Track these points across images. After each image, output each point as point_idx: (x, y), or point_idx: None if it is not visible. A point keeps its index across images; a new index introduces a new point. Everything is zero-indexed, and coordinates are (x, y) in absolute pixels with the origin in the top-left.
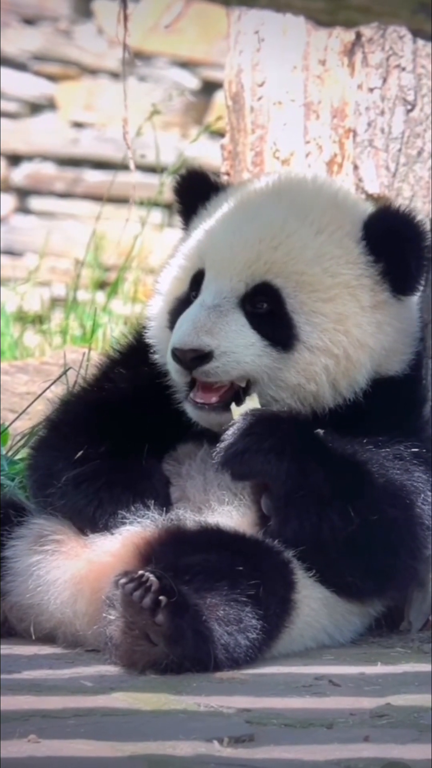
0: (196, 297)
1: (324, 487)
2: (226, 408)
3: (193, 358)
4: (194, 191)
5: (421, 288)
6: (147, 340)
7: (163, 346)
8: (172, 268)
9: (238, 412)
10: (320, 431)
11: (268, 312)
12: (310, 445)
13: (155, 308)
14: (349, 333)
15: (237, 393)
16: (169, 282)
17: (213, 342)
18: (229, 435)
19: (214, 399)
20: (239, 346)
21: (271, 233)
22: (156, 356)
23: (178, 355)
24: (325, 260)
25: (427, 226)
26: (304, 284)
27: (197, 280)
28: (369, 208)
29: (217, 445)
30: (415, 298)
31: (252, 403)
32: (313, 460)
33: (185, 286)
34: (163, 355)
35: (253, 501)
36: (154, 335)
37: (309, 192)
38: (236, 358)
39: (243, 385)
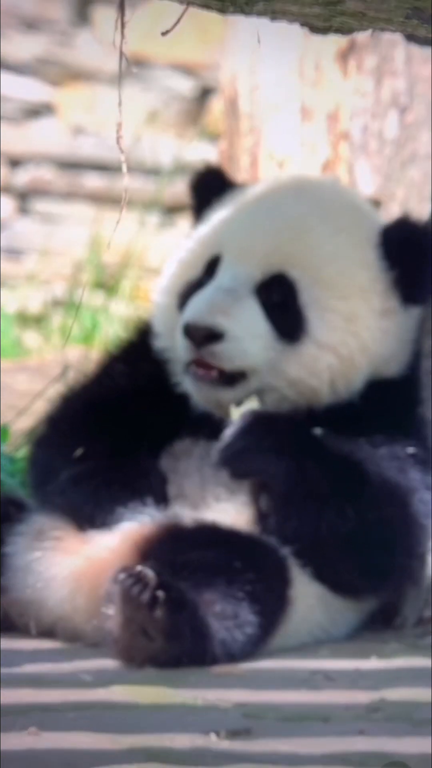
0: (209, 282)
1: (322, 485)
2: (225, 385)
3: (205, 336)
4: (210, 186)
5: (428, 301)
6: (147, 339)
7: (167, 327)
8: (182, 252)
9: (237, 412)
10: (318, 431)
11: (281, 302)
12: (308, 445)
13: (161, 292)
14: (358, 335)
15: (233, 376)
16: (179, 266)
17: (227, 323)
18: (229, 435)
19: (214, 372)
20: (250, 335)
21: (291, 226)
22: (159, 341)
23: (191, 330)
24: (341, 259)
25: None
26: (320, 280)
27: (212, 265)
28: (384, 219)
29: (217, 444)
30: (417, 312)
31: (252, 404)
32: (311, 460)
33: (198, 270)
34: (166, 339)
35: (251, 499)
36: (159, 316)
37: (329, 193)
38: (244, 347)
39: (236, 373)
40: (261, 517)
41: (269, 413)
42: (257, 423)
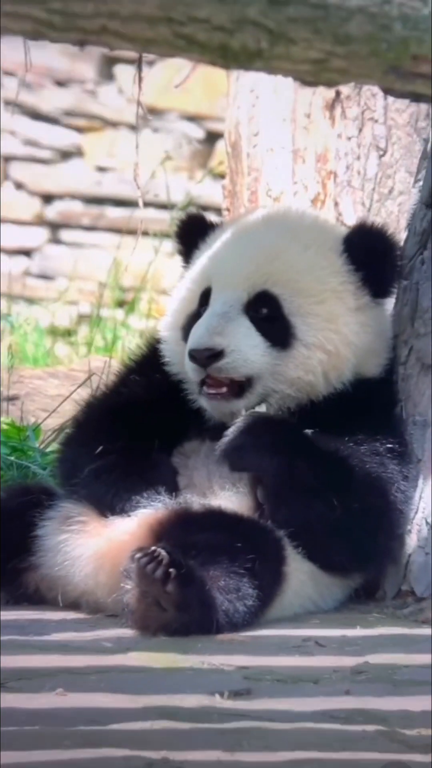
0: (205, 311)
1: (310, 479)
2: (235, 397)
3: (208, 357)
4: (193, 231)
5: (394, 291)
6: (159, 352)
7: (177, 358)
8: (180, 291)
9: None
10: (309, 432)
11: (268, 316)
12: (298, 444)
13: (167, 328)
14: (339, 331)
15: (241, 386)
16: (178, 303)
17: (224, 341)
18: (230, 433)
19: (224, 389)
20: (246, 346)
21: (266, 250)
22: (170, 368)
23: (195, 355)
24: (314, 270)
25: (397, 238)
26: (299, 290)
27: (205, 297)
28: (343, 229)
29: (221, 440)
30: (389, 307)
31: (258, 408)
32: (300, 457)
33: (194, 304)
34: (177, 366)
35: (250, 490)
36: (168, 350)
37: (294, 217)
38: (244, 356)
39: (244, 380)
40: (258, 506)
41: (267, 416)
42: (255, 424)
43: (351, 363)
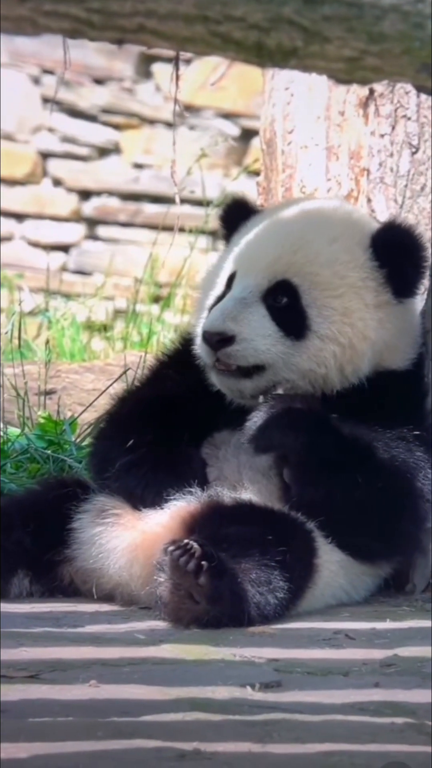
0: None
1: (334, 457)
2: (243, 377)
3: (218, 341)
4: (236, 214)
5: (419, 292)
6: (191, 346)
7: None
8: (213, 272)
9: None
10: (334, 416)
11: (286, 306)
12: (321, 424)
13: (197, 308)
14: (354, 326)
15: (248, 371)
16: (208, 283)
17: (236, 328)
18: (255, 415)
19: (233, 367)
20: (258, 336)
21: (291, 240)
22: (197, 348)
23: (207, 337)
24: (336, 264)
25: (426, 239)
26: (318, 283)
27: (231, 281)
28: (376, 225)
29: (246, 423)
30: (416, 304)
31: (282, 391)
32: (324, 435)
33: (222, 286)
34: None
35: (277, 474)
36: (195, 328)
37: (327, 210)
38: (254, 346)
39: (251, 367)
40: (286, 491)
41: (289, 397)
42: (278, 405)
43: (367, 358)
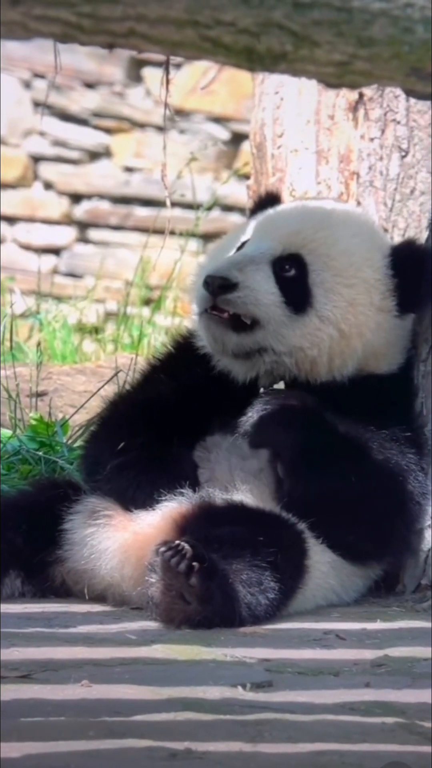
0: None
1: (327, 454)
2: (232, 329)
3: (220, 286)
4: (266, 204)
5: (419, 312)
6: (183, 350)
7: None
8: (225, 242)
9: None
10: (328, 414)
11: (292, 277)
12: (315, 422)
13: (198, 272)
14: (357, 318)
15: (243, 325)
16: (214, 251)
17: (241, 276)
18: (250, 411)
19: (225, 315)
20: (261, 288)
21: (314, 221)
22: (198, 338)
23: (209, 281)
24: (354, 255)
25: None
26: (331, 267)
27: (242, 247)
28: (392, 242)
29: (243, 419)
30: (409, 322)
31: (279, 386)
32: (318, 432)
33: (230, 251)
34: (202, 341)
35: (268, 475)
36: (193, 293)
37: (354, 211)
38: (256, 295)
39: (249, 322)
40: (277, 489)
41: (284, 393)
42: (272, 401)
43: (356, 357)
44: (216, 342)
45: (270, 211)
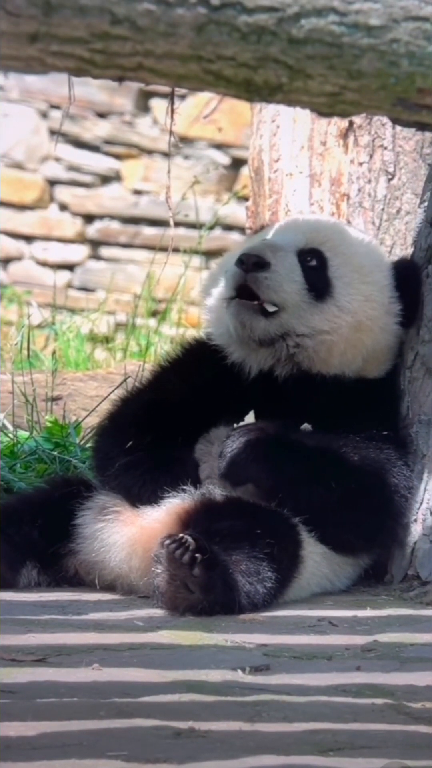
0: None
1: (306, 477)
2: (260, 315)
3: (255, 263)
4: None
5: (411, 327)
6: (191, 354)
7: (217, 315)
8: (225, 260)
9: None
10: (305, 426)
11: (314, 267)
12: (281, 447)
13: (214, 286)
14: (372, 312)
15: (264, 309)
16: (228, 261)
17: (273, 259)
18: (225, 448)
19: (255, 302)
20: (288, 276)
21: (332, 225)
22: (212, 331)
23: (243, 259)
24: (367, 258)
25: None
26: (352, 264)
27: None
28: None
29: (219, 457)
30: (399, 336)
31: (249, 419)
32: (285, 456)
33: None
34: (218, 331)
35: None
36: (211, 309)
37: (365, 236)
38: (282, 280)
39: (271, 310)
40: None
41: (254, 426)
42: (242, 437)
43: (364, 353)
44: (244, 327)
45: (288, 217)
